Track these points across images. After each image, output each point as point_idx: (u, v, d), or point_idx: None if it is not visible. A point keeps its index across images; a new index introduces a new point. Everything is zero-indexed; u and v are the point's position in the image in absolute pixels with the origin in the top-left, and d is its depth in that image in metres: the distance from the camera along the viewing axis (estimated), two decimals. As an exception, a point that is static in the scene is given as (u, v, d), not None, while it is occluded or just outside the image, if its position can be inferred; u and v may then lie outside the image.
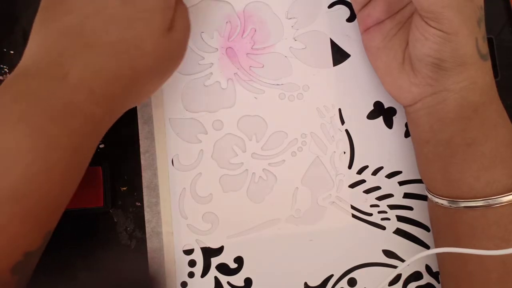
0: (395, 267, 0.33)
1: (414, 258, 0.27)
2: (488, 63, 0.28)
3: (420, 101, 0.29)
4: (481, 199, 0.27)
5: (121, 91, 0.24)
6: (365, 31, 0.31)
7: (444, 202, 0.28)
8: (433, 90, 0.28)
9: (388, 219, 0.34)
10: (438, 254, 0.32)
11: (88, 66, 0.23)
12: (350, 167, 0.33)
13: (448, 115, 0.27)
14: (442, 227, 0.30)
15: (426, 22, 0.26)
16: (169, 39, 0.25)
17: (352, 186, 0.33)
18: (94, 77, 0.23)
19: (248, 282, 0.32)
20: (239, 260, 0.32)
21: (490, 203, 0.27)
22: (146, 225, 0.32)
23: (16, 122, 0.21)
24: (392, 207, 0.34)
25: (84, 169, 0.25)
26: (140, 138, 0.32)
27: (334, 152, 0.33)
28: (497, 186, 0.27)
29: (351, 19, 0.34)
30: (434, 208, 0.30)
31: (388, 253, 0.33)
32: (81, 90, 0.23)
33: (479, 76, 0.27)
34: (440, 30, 0.25)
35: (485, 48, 0.27)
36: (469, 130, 0.27)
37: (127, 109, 0.27)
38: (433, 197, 0.30)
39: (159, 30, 0.25)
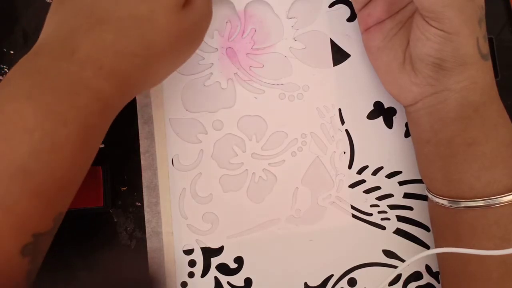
0: (395, 267, 0.33)
1: (414, 258, 0.27)
2: (489, 63, 0.28)
3: (420, 100, 0.29)
4: (482, 199, 0.27)
5: (132, 68, 0.24)
6: (365, 30, 0.31)
7: (444, 202, 0.28)
8: (433, 89, 0.28)
9: (388, 219, 0.34)
10: (438, 254, 0.32)
11: (97, 42, 0.23)
12: (350, 167, 0.33)
13: (448, 114, 0.27)
14: (442, 227, 0.30)
15: (427, 22, 0.26)
16: (184, 18, 0.25)
17: (352, 186, 0.33)
18: (103, 53, 0.23)
19: (248, 282, 0.32)
20: (239, 260, 0.32)
21: (491, 203, 0.27)
22: (146, 225, 0.32)
23: (24, 99, 0.21)
24: (392, 207, 0.34)
25: (95, 149, 0.24)
26: (140, 138, 0.32)
27: (334, 152, 0.33)
28: (498, 186, 0.27)
29: (351, 18, 0.34)
30: (434, 208, 0.30)
31: (388, 253, 0.33)
32: (89, 66, 0.22)
33: (479, 76, 0.27)
34: (441, 30, 0.25)
35: (486, 48, 0.27)
36: (470, 130, 0.27)
37: (139, 91, 0.26)
38: (433, 197, 0.30)
39: (172, 6, 0.24)
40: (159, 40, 0.24)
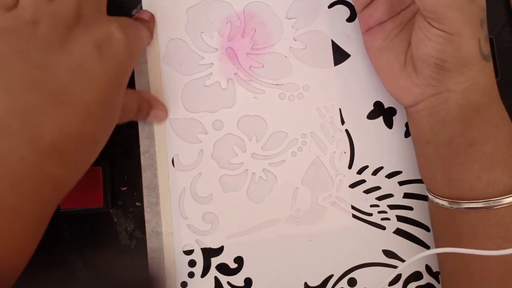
0: (395, 267, 0.33)
1: (414, 258, 0.27)
2: (490, 64, 0.28)
3: (421, 101, 0.29)
4: (482, 200, 0.27)
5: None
6: (366, 31, 0.31)
7: (444, 203, 0.28)
8: (435, 90, 0.28)
9: (388, 219, 0.34)
10: (438, 254, 0.32)
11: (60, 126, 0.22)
12: (350, 167, 0.33)
13: (449, 115, 0.27)
14: (442, 227, 0.30)
15: (428, 23, 0.26)
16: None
17: (352, 186, 0.33)
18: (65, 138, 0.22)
19: (248, 282, 0.32)
20: (239, 260, 0.32)
21: (491, 204, 0.27)
22: (146, 225, 0.32)
23: None
24: (392, 207, 0.34)
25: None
26: (140, 138, 0.32)
27: (334, 152, 0.33)
28: (498, 186, 0.27)
29: (351, 19, 0.34)
30: (434, 209, 0.30)
31: (388, 253, 0.33)
32: (52, 153, 0.22)
33: (481, 76, 0.27)
34: (442, 31, 0.25)
35: (487, 49, 0.27)
36: (471, 131, 0.27)
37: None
38: (433, 197, 0.29)
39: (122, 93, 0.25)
40: (110, 126, 0.25)
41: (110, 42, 0.24)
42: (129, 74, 0.26)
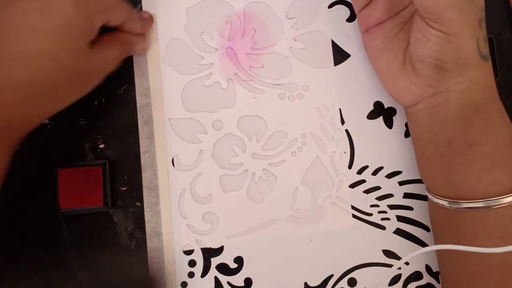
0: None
1: (412, 255, 0.27)
2: (489, 64, 0.28)
3: (421, 102, 0.29)
4: (482, 200, 0.27)
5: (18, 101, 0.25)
6: (365, 31, 0.31)
7: (444, 202, 0.28)
8: (434, 91, 0.28)
9: (388, 219, 0.34)
10: (438, 254, 0.31)
11: None
12: (350, 167, 0.33)
13: (449, 115, 0.27)
14: (442, 227, 0.30)
15: (427, 23, 0.26)
16: (87, 59, 0.27)
17: (352, 186, 0.33)
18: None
19: (248, 282, 0.32)
20: (239, 260, 0.32)
21: (491, 204, 0.27)
22: (146, 225, 0.32)
23: None
24: (392, 207, 0.34)
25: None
26: (140, 138, 0.32)
27: (334, 152, 0.33)
28: (498, 186, 0.27)
29: (351, 19, 0.34)
30: (434, 209, 0.30)
31: (388, 253, 0.33)
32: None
33: (480, 76, 0.27)
34: (441, 31, 0.25)
35: (486, 49, 0.27)
36: (470, 131, 0.27)
37: (34, 121, 0.28)
38: (433, 197, 0.29)
39: (78, 48, 0.26)
40: (57, 75, 0.26)
41: None
42: (83, 32, 0.26)
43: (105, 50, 0.28)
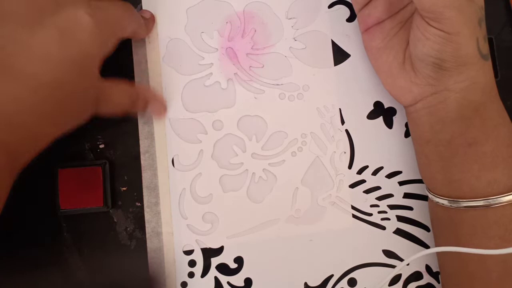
0: (395, 267, 0.33)
1: (414, 257, 0.27)
2: (489, 63, 0.28)
3: (420, 101, 0.29)
4: (482, 199, 0.27)
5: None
6: (365, 31, 0.31)
7: (444, 202, 0.28)
8: (434, 90, 0.28)
9: (388, 219, 0.34)
10: (438, 254, 0.32)
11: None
12: (350, 167, 0.33)
13: (449, 115, 0.27)
14: (442, 227, 0.30)
15: (427, 22, 0.26)
16: (97, 86, 0.27)
17: (352, 186, 0.33)
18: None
19: (248, 282, 0.32)
20: (239, 260, 0.32)
21: (491, 203, 0.27)
22: (146, 225, 0.32)
23: None
24: (392, 207, 0.34)
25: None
26: (140, 138, 0.32)
27: (334, 152, 0.33)
28: (498, 186, 0.27)
29: (351, 19, 0.34)
30: (434, 208, 0.30)
31: (388, 253, 0.33)
32: (1, 121, 0.22)
33: (480, 76, 0.27)
34: (441, 30, 0.25)
35: (485, 48, 0.27)
36: (470, 130, 0.27)
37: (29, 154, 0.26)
38: (433, 197, 0.30)
39: (90, 75, 0.26)
40: (67, 102, 0.25)
41: (74, 27, 0.24)
42: (97, 59, 0.26)
43: (115, 95, 0.28)
